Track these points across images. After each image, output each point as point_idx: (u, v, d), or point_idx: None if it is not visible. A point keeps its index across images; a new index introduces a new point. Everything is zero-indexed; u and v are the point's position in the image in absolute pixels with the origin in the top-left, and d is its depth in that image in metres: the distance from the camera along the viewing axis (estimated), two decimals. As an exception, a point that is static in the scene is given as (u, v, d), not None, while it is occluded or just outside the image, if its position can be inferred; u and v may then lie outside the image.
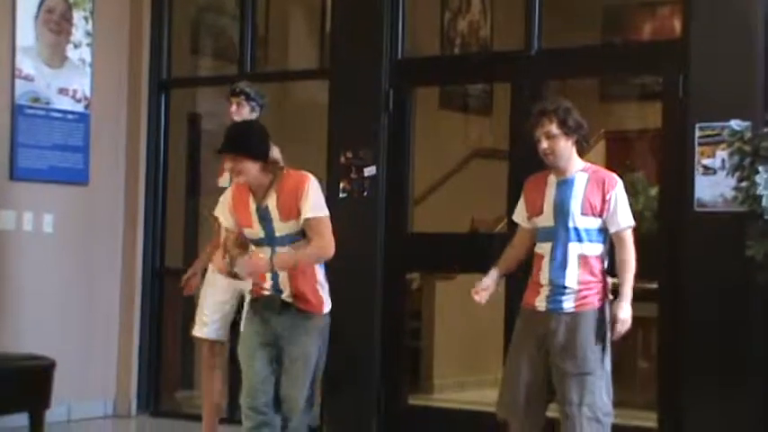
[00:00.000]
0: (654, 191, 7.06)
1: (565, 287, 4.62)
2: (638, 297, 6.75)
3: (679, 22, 6.21)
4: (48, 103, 7.03)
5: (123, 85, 7.52)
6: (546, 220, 4.70)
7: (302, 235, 4.60)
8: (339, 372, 6.66)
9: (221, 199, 4.79)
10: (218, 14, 8.46)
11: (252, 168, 4.56)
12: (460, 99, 9.13)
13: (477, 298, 4.79)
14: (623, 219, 4.67)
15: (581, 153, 4.78)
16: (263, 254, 4.59)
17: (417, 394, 7.52)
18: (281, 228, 4.59)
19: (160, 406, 7.51)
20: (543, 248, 4.70)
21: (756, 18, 5.68)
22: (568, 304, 4.61)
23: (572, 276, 4.61)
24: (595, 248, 4.65)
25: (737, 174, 5.18)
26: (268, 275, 4.62)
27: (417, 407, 6.89)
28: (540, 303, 4.67)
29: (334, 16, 7.06)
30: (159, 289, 7.52)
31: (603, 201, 4.64)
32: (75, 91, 7.18)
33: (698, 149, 5.68)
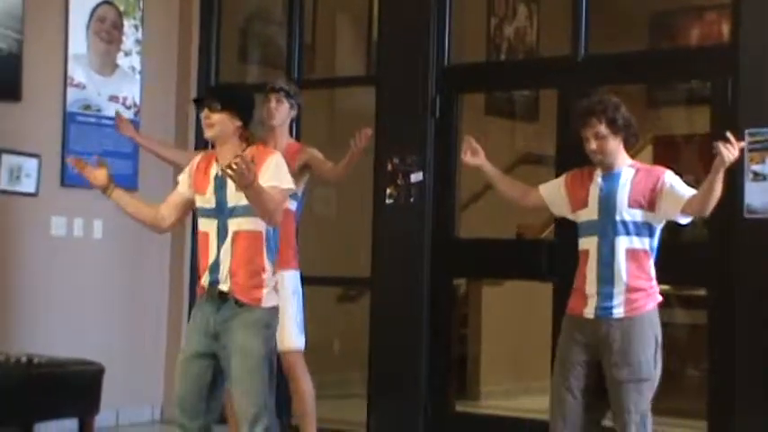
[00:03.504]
0: (703, 197, 7.01)
1: (613, 290, 4.46)
2: (687, 304, 6.75)
3: (727, 26, 6.17)
4: (98, 111, 7.11)
5: (172, 92, 7.59)
6: (590, 213, 4.55)
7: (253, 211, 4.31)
8: (386, 378, 6.69)
9: (192, 161, 4.61)
10: (266, 22, 8.52)
11: (226, 124, 4.36)
12: (507, 105, 9.12)
13: (464, 154, 4.84)
14: (686, 190, 4.45)
15: (629, 151, 4.65)
16: (206, 228, 4.39)
17: (464, 401, 7.52)
18: (234, 197, 4.33)
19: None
20: (588, 243, 4.54)
21: (806, 22, 5.63)
22: (618, 310, 4.46)
23: (620, 275, 4.45)
24: (644, 243, 4.50)
25: (788, 180, 5.14)
26: (209, 266, 4.38)
27: (464, 413, 6.89)
28: (589, 311, 4.51)
29: (381, 23, 7.08)
30: (207, 294, 7.57)
31: (653, 190, 4.47)
32: (125, 98, 7.26)
33: (747, 155, 5.62)
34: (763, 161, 5.61)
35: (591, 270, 4.53)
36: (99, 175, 4.50)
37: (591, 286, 4.54)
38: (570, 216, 4.72)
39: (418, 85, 6.69)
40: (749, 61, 5.72)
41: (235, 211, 4.35)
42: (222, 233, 4.38)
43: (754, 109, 5.68)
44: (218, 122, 4.36)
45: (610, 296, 4.49)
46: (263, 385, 4.32)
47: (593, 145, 4.54)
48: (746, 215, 5.65)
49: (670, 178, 4.51)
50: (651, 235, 4.54)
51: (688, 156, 8.89)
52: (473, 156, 4.86)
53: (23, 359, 5.98)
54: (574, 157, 6.03)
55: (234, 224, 4.36)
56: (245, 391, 4.31)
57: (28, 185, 6.73)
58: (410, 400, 6.60)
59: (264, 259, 4.40)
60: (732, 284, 5.73)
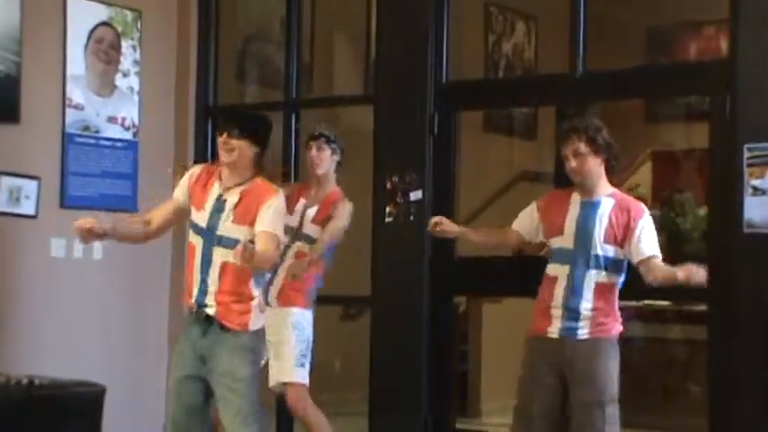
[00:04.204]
0: (702, 211, 7.02)
1: (579, 312, 4.45)
2: (687, 319, 6.74)
3: (725, 41, 6.18)
4: (97, 132, 7.12)
5: (170, 112, 7.59)
6: (565, 240, 4.53)
7: (237, 244, 4.33)
8: (387, 395, 6.67)
9: (192, 169, 4.68)
10: (264, 42, 8.53)
11: (245, 150, 4.44)
12: (505, 122, 9.13)
13: (433, 228, 4.78)
14: (649, 247, 4.47)
15: (612, 174, 4.63)
16: (195, 241, 4.46)
17: (465, 418, 7.50)
18: (226, 228, 4.41)
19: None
20: (558, 271, 4.53)
21: (804, 37, 5.64)
22: (584, 331, 4.45)
23: (587, 303, 4.45)
24: (613, 278, 4.51)
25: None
26: (196, 284, 4.45)
27: (465, 431, 6.87)
28: (553, 330, 4.50)
29: (379, 42, 7.09)
30: (207, 315, 7.56)
31: (628, 228, 4.46)
32: (123, 119, 7.26)
33: (747, 170, 5.62)
34: (762, 176, 5.61)
35: (558, 295, 4.51)
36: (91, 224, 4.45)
37: (556, 308, 4.52)
38: (529, 237, 4.74)
39: (416, 103, 6.70)
40: (747, 76, 5.73)
41: (222, 242, 4.40)
42: (206, 257, 4.43)
43: (752, 123, 5.68)
44: (238, 147, 4.43)
45: (576, 318, 4.47)
46: (251, 406, 4.37)
47: (572, 163, 4.53)
48: (746, 230, 5.64)
49: (642, 225, 4.49)
50: (621, 270, 4.54)
51: (687, 171, 8.90)
52: (442, 229, 4.80)
53: (24, 381, 5.96)
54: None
55: (220, 254, 4.40)
56: (234, 414, 4.36)
57: (27, 207, 6.73)
58: (411, 417, 6.59)
59: (251, 288, 4.46)
60: (732, 299, 5.72)
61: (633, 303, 7.08)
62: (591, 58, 6.36)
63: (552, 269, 4.57)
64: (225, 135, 4.47)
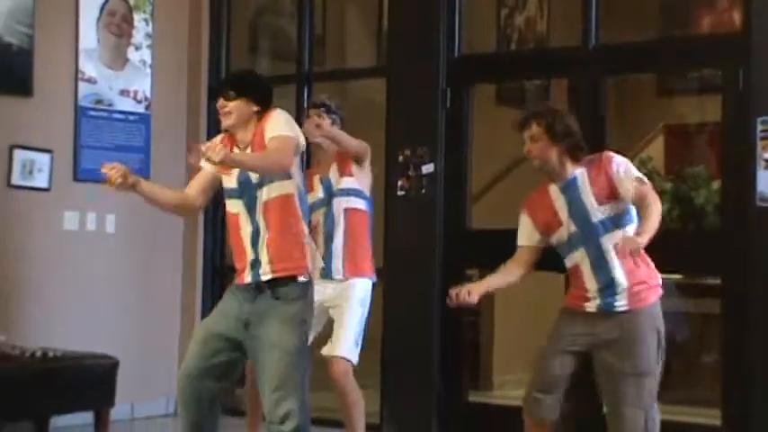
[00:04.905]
0: (715, 185, 6.99)
1: (615, 285, 4.42)
2: (700, 293, 6.74)
3: (739, 14, 6.15)
4: (110, 105, 7.13)
5: (183, 85, 7.60)
6: (567, 228, 4.51)
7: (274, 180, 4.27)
8: (398, 368, 6.70)
9: (210, 142, 4.47)
10: (276, 15, 8.52)
11: (243, 110, 4.31)
12: (518, 95, 9.10)
13: (451, 301, 4.55)
14: (632, 175, 4.40)
15: (579, 158, 4.54)
16: (236, 208, 4.32)
17: (477, 391, 7.51)
18: (255, 174, 4.27)
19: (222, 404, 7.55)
20: (576, 258, 4.50)
21: (818, 10, 5.61)
22: (621, 302, 4.43)
23: (620, 278, 4.41)
24: (629, 231, 4.41)
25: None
26: (246, 249, 4.28)
27: (477, 403, 6.90)
28: (590, 304, 4.49)
29: (391, 14, 7.08)
30: (220, 287, 7.56)
31: (609, 179, 4.41)
32: (135, 92, 7.27)
33: (759, 144, 5.62)
34: (775, 149, 5.60)
35: (589, 280, 4.48)
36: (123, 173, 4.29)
37: (592, 292, 4.49)
38: (533, 243, 4.64)
39: (429, 76, 6.69)
40: (761, 49, 5.71)
41: (261, 183, 4.27)
42: (252, 210, 4.30)
43: (765, 97, 5.67)
44: (235, 109, 4.33)
45: (613, 292, 4.45)
46: (298, 383, 4.22)
47: (527, 146, 4.53)
48: (759, 203, 5.64)
49: (616, 168, 4.44)
50: (630, 219, 4.46)
51: (700, 144, 8.88)
52: (470, 296, 4.60)
53: (38, 353, 6.01)
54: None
55: (262, 194, 4.29)
56: (278, 387, 4.19)
57: (41, 180, 6.75)
58: (423, 390, 6.62)
59: (301, 222, 4.34)
60: (746, 272, 5.72)
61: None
62: (604, 31, 6.34)
63: (571, 260, 4.55)
64: (221, 100, 4.38)
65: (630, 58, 6.36)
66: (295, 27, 7.53)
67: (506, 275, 4.75)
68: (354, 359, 5.39)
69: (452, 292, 4.60)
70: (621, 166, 4.46)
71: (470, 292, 4.58)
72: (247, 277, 4.32)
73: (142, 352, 7.16)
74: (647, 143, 9.11)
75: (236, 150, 4.35)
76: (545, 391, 4.54)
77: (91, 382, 6.20)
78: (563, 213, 4.52)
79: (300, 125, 5.72)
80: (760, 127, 5.60)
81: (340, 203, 5.44)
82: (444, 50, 6.69)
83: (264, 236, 4.29)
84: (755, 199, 5.64)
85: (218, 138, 4.52)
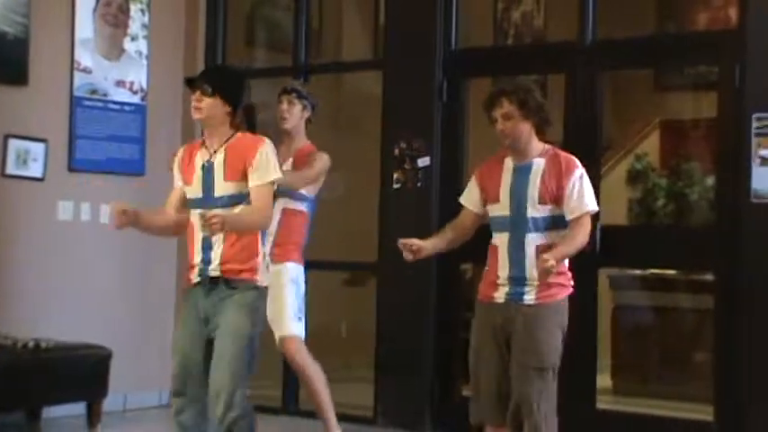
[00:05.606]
0: (710, 181, 7.00)
1: (525, 279, 4.38)
2: (694, 288, 6.74)
3: (735, 11, 6.15)
4: (105, 95, 7.12)
5: (178, 76, 7.56)
6: (502, 208, 4.45)
7: (241, 200, 4.32)
8: (393, 362, 6.70)
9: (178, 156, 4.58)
10: (273, 7, 8.51)
11: (217, 109, 4.32)
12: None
13: (408, 256, 4.54)
14: (583, 204, 4.36)
15: (544, 131, 4.51)
16: (195, 218, 4.36)
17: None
18: (221, 188, 4.32)
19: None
20: (499, 239, 4.46)
21: (815, 7, 5.62)
22: (529, 296, 4.37)
23: (531, 272, 4.35)
24: (556, 238, 4.37)
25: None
26: (198, 250, 4.36)
27: (470, 397, 6.89)
28: (499, 295, 4.43)
29: (388, 7, 7.07)
30: (214, 279, 7.58)
31: (560, 186, 4.36)
32: (131, 83, 7.26)
33: (754, 140, 5.63)
34: (770, 146, 5.61)
35: (502, 267, 4.44)
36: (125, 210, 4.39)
37: (502, 277, 4.45)
38: (477, 209, 4.62)
39: (425, 70, 6.69)
40: (757, 46, 5.71)
41: (221, 201, 4.32)
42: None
43: (761, 93, 5.68)
44: (207, 107, 4.33)
45: (522, 284, 4.41)
46: (245, 366, 4.29)
47: (500, 125, 4.43)
48: (753, 199, 5.65)
49: (575, 181, 4.38)
50: (564, 227, 4.42)
51: (695, 140, 8.88)
52: (415, 254, 4.61)
53: (31, 344, 6.00)
54: (581, 142, 6.05)
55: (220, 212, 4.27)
56: (225, 368, 4.26)
57: (35, 170, 6.74)
58: (417, 384, 6.62)
59: (258, 243, 4.39)
60: (739, 269, 5.73)
61: (638, 272, 7.12)
62: (600, 26, 6.34)
63: (494, 239, 4.52)
64: (198, 93, 4.37)
65: (627, 54, 6.37)
66: (292, 19, 7.52)
67: (445, 240, 4.72)
68: (301, 333, 5.41)
69: (402, 241, 4.57)
70: (577, 186, 4.39)
71: (419, 250, 4.56)
72: (197, 275, 4.40)
73: (136, 343, 7.15)
74: (643, 138, 9.10)
75: (198, 155, 4.39)
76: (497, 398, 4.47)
77: (84, 372, 6.20)
78: (504, 191, 4.46)
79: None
80: (755, 123, 5.61)
81: (280, 203, 5.36)
82: (441, 44, 6.69)
83: (219, 251, 4.34)
84: (750, 195, 5.65)
85: (181, 150, 4.55)
